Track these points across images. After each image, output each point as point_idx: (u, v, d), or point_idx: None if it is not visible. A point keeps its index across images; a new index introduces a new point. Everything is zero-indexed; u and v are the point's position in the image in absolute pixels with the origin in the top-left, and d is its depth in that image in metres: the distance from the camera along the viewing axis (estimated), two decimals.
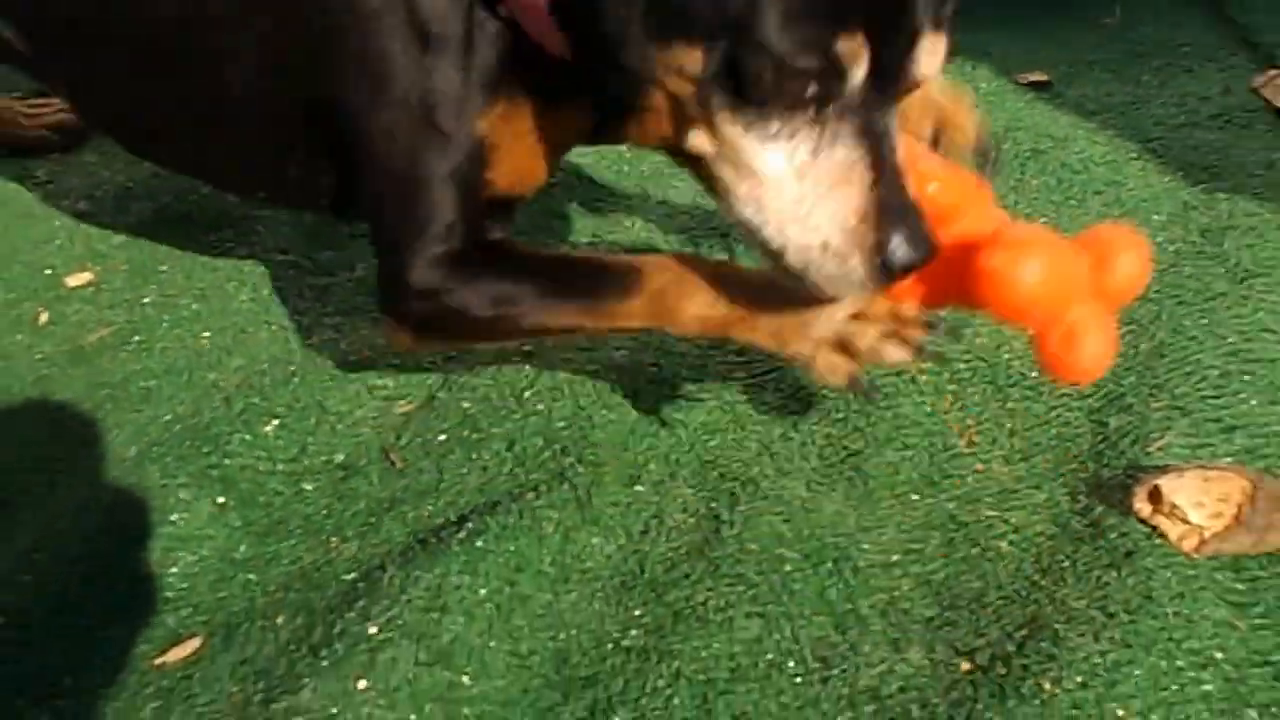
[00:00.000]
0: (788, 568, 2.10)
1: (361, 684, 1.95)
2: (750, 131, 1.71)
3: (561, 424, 2.42)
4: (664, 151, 1.99)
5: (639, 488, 2.30)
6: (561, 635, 2.06)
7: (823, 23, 1.61)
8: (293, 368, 2.63)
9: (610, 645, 2.03)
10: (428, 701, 1.95)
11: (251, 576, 2.26)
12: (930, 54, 1.71)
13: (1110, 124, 3.35)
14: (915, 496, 2.21)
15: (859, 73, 1.66)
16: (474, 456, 2.35)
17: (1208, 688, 1.84)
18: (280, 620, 2.15)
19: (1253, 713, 1.82)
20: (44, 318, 2.91)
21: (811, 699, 1.92)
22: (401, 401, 2.58)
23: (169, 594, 2.23)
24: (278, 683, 2.01)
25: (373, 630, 2.03)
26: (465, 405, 2.48)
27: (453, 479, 2.33)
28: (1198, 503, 2.03)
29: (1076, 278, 1.78)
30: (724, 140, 1.75)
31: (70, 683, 2.09)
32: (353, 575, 2.21)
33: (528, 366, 2.54)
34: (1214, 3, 3.76)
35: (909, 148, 1.83)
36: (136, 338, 2.80)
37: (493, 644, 2.03)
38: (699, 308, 1.99)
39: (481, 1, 1.99)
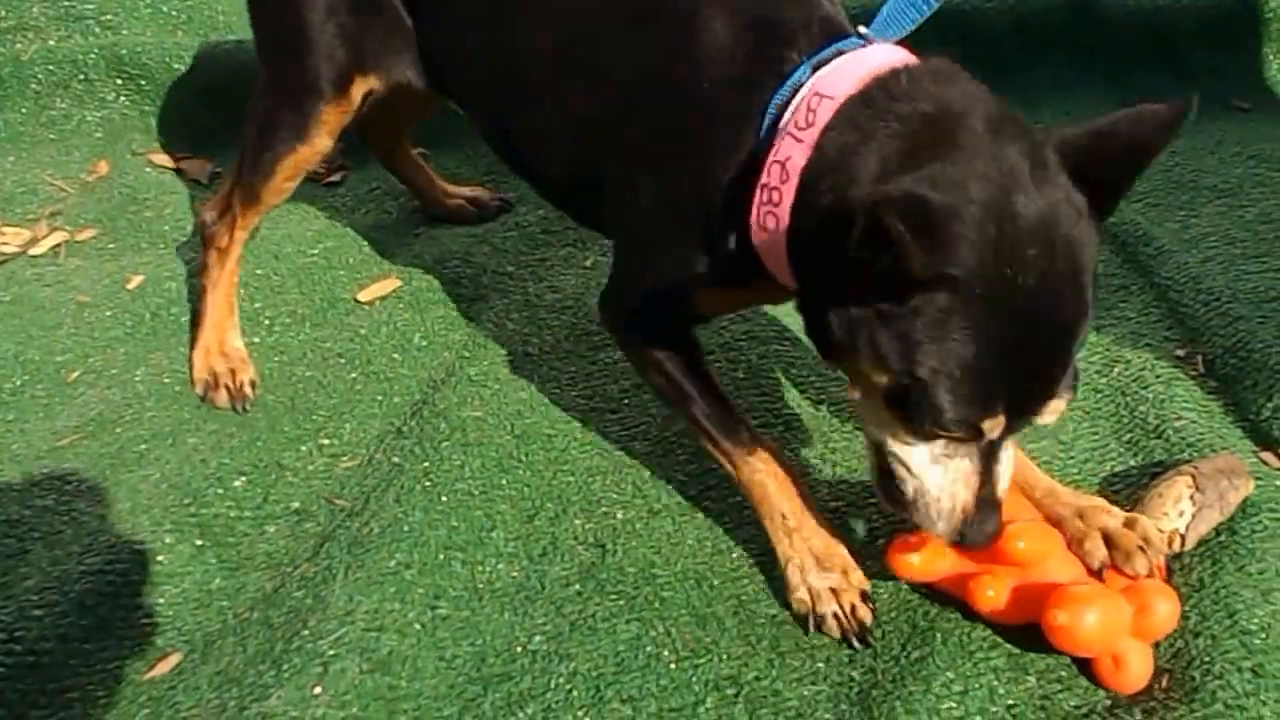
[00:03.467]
0: (659, 582, 2.07)
1: (317, 690, 1.89)
2: (902, 429, 1.74)
3: (471, 475, 2.34)
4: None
5: (537, 521, 2.24)
6: (479, 642, 2.01)
7: (976, 407, 1.64)
8: (257, 432, 2.53)
9: (519, 649, 1.99)
10: (372, 702, 1.89)
11: (224, 603, 2.17)
12: (1053, 412, 1.71)
13: None
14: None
15: (994, 435, 1.69)
16: (399, 503, 2.26)
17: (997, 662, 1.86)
18: (247, 637, 2.07)
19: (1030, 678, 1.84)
20: (54, 397, 2.74)
21: (685, 681, 1.90)
22: (344, 458, 2.49)
23: (157, 619, 2.14)
24: (249, 691, 1.93)
25: (325, 647, 1.96)
26: (396, 460, 2.39)
27: (384, 520, 2.23)
28: (1164, 513, 1.97)
29: (1121, 622, 1.77)
30: (882, 418, 1.78)
31: (77, 696, 2.00)
32: (302, 593, 2.13)
33: (444, 425, 2.46)
34: None
35: (1025, 506, 1.93)
36: (130, 411, 2.66)
37: (423, 654, 1.98)
38: (772, 510, 2.03)
39: (734, 226, 1.95)
